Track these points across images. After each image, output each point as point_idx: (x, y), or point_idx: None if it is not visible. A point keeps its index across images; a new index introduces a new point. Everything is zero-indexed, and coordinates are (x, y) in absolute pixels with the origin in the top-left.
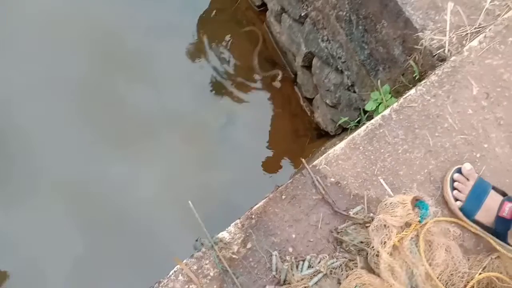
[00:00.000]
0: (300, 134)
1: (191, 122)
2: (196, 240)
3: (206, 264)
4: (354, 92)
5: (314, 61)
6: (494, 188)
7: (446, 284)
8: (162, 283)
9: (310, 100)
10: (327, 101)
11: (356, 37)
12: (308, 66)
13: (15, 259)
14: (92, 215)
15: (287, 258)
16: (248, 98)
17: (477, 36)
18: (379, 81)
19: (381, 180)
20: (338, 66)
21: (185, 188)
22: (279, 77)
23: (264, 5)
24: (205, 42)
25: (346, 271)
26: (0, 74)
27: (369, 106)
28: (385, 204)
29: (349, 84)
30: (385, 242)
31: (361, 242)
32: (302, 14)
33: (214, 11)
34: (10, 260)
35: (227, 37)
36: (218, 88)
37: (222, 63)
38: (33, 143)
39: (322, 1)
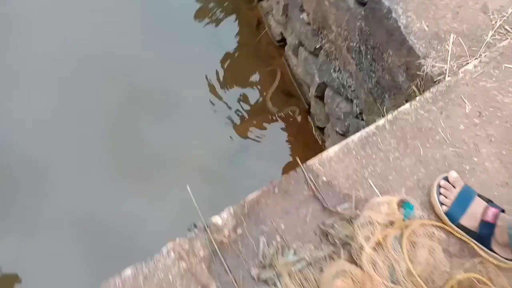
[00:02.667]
0: None
1: (205, 154)
2: (192, 224)
3: (198, 245)
4: (362, 119)
5: (327, 91)
6: (479, 195)
7: (426, 281)
8: (155, 258)
9: (322, 130)
10: (337, 129)
11: (365, 66)
12: (321, 96)
13: None
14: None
15: (274, 244)
16: (264, 128)
17: (473, 61)
18: (385, 108)
19: (371, 183)
20: (348, 95)
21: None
22: (297, 113)
23: (283, 40)
24: (227, 78)
25: (330, 261)
26: (26, 106)
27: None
28: (372, 203)
29: (358, 112)
30: (369, 237)
31: (346, 236)
32: (317, 47)
33: (237, 47)
34: None
35: (249, 73)
36: (235, 119)
37: (242, 98)
38: (47, 174)
39: (335, 34)
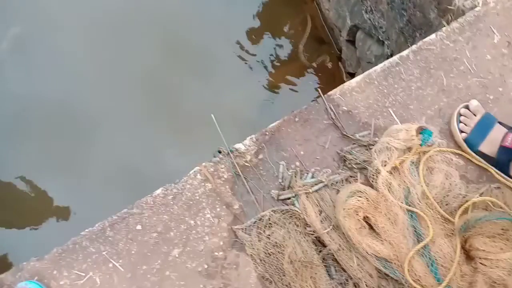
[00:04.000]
0: None
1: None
2: (217, 151)
3: (222, 168)
4: None
5: (358, 34)
6: (500, 123)
7: (441, 203)
8: (183, 179)
9: (353, 75)
10: None
11: (397, 4)
12: (352, 41)
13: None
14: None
15: (293, 168)
16: (296, 76)
17: None
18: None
19: (391, 111)
20: (380, 37)
21: None
22: (328, 61)
23: None
24: (259, 26)
25: (346, 184)
26: (67, 59)
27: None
28: (390, 130)
29: (389, 54)
30: (386, 162)
31: (364, 161)
32: None
33: None
34: None
35: (281, 21)
36: (268, 69)
37: (274, 47)
38: (95, 127)
39: None
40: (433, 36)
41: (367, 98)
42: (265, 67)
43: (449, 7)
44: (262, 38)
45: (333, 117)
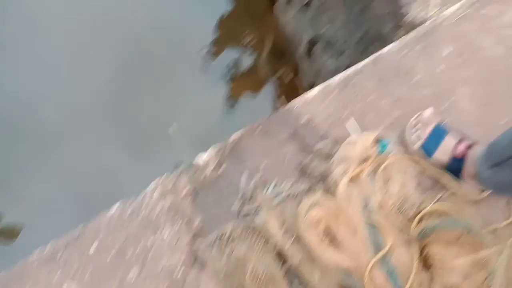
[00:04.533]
0: None
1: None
2: (179, 164)
3: (182, 183)
4: None
5: (316, 46)
6: (452, 131)
7: (398, 212)
8: (141, 195)
9: (311, 87)
10: None
11: (353, 18)
12: (310, 53)
13: None
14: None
15: (255, 180)
16: (256, 88)
17: (454, 5)
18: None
19: (349, 122)
20: (337, 49)
21: None
22: (287, 74)
23: None
24: (220, 38)
25: (308, 195)
26: (29, 72)
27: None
28: (349, 140)
29: (345, 66)
30: (345, 172)
31: (324, 172)
32: (307, 0)
33: (229, 6)
34: None
35: (242, 32)
36: (228, 80)
37: (234, 58)
38: (53, 135)
39: None
40: (387, 48)
41: (325, 109)
42: (225, 79)
43: (402, 21)
44: (222, 50)
45: (294, 128)
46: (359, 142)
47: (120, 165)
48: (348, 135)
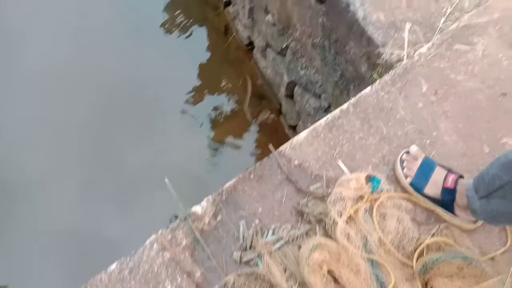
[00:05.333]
0: None
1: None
2: (173, 216)
3: (180, 234)
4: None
5: (296, 89)
6: (439, 165)
7: (397, 248)
8: (139, 251)
9: (294, 128)
10: (309, 126)
11: (330, 60)
12: (291, 95)
13: None
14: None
15: (253, 227)
16: (239, 131)
17: (426, 44)
18: (350, 99)
19: (339, 163)
20: (316, 91)
21: None
22: (268, 116)
23: (251, 43)
24: (200, 85)
25: (307, 238)
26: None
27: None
28: (341, 180)
29: (326, 106)
30: (341, 212)
31: (320, 213)
32: (284, 46)
33: (207, 54)
34: None
35: (221, 79)
36: (212, 124)
37: (216, 104)
38: (32, 191)
39: (300, 32)
40: (368, 88)
41: (315, 151)
42: (209, 124)
43: (378, 61)
44: (204, 96)
45: (286, 172)
46: (352, 182)
47: (107, 219)
48: (340, 175)
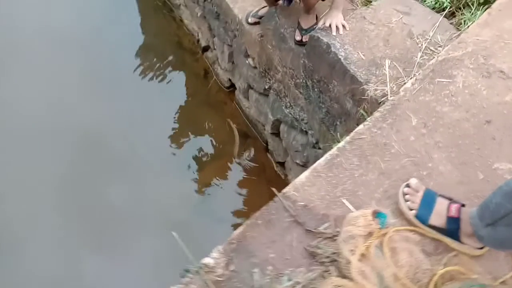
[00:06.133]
0: None
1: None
2: (184, 270)
3: None
4: (319, 148)
5: (281, 126)
6: (440, 195)
7: (412, 281)
8: None
9: (282, 164)
10: (297, 161)
11: (314, 98)
12: (276, 133)
13: None
14: None
15: (268, 274)
16: (227, 171)
17: (410, 79)
18: (338, 134)
19: (344, 200)
20: (302, 128)
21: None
22: (252, 154)
23: (232, 85)
24: (182, 129)
25: (322, 280)
26: None
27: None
28: (349, 218)
29: (314, 142)
30: (353, 250)
31: (333, 254)
32: (266, 87)
33: (188, 98)
34: None
35: (203, 122)
36: (198, 165)
37: (201, 146)
38: (11, 239)
39: (282, 73)
40: (361, 126)
41: (318, 191)
42: (194, 166)
43: (363, 97)
44: (186, 139)
45: (293, 214)
46: (360, 219)
47: (90, 267)
48: (346, 212)
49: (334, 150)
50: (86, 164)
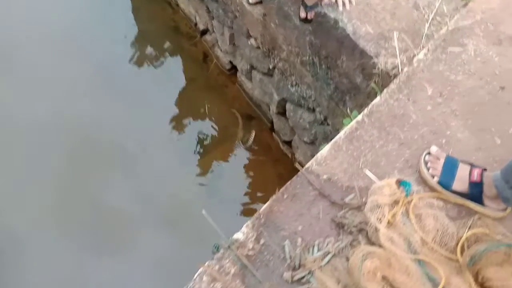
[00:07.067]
0: (284, 177)
1: (179, 193)
2: (214, 246)
3: (227, 263)
4: (328, 124)
5: (287, 105)
6: (461, 161)
7: (440, 245)
8: (189, 285)
9: (289, 143)
10: (305, 139)
11: (321, 75)
12: (282, 112)
13: None
14: None
15: (298, 245)
16: (232, 153)
17: (422, 50)
18: (348, 109)
19: (366, 172)
20: (310, 105)
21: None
22: (252, 136)
23: (234, 67)
24: (183, 114)
25: (352, 249)
26: None
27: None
28: (374, 188)
29: (322, 119)
30: (380, 219)
31: (360, 223)
32: (270, 67)
33: (188, 83)
34: None
35: (205, 106)
36: (201, 150)
37: (203, 130)
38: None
39: (287, 52)
40: (378, 98)
41: (341, 164)
42: (198, 152)
43: (373, 71)
44: (188, 123)
45: (318, 187)
46: (385, 188)
47: (91, 268)
48: (369, 183)
49: (353, 124)
50: (86, 161)
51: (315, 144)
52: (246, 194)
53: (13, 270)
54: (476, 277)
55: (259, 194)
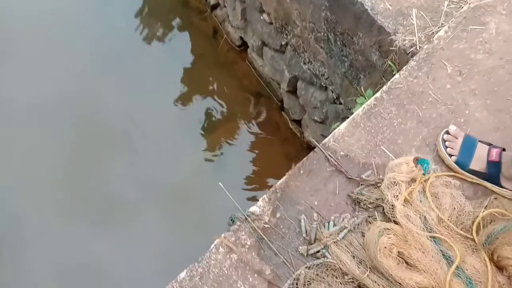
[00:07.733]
0: (292, 156)
1: (189, 171)
2: (230, 219)
3: (243, 235)
4: (340, 103)
5: (299, 83)
6: (480, 141)
7: (456, 224)
8: (205, 256)
9: (298, 122)
10: (316, 118)
11: (336, 52)
12: (293, 91)
13: None
14: None
15: (313, 220)
16: (240, 131)
17: (443, 28)
18: (362, 87)
19: (384, 149)
20: (322, 83)
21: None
22: (263, 113)
23: (244, 43)
24: (191, 91)
25: (368, 225)
26: None
27: (357, 110)
28: (392, 165)
29: (334, 97)
30: (397, 196)
31: (377, 199)
32: (283, 43)
33: (196, 59)
34: None
35: (214, 82)
36: (209, 127)
37: (212, 105)
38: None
39: (301, 27)
40: (397, 76)
41: (358, 141)
42: (206, 129)
43: (390, 48)
44: (197, 100)
45: (335, 163)
46: (403, 166)
47: (97, 250)
48: (386, 160)
49: (371, 101)
50: (90, 140)
51: (325, 123)
52: (253, 172)
53: (14, 252)
54: (491, 256)
55: (266, 173)
